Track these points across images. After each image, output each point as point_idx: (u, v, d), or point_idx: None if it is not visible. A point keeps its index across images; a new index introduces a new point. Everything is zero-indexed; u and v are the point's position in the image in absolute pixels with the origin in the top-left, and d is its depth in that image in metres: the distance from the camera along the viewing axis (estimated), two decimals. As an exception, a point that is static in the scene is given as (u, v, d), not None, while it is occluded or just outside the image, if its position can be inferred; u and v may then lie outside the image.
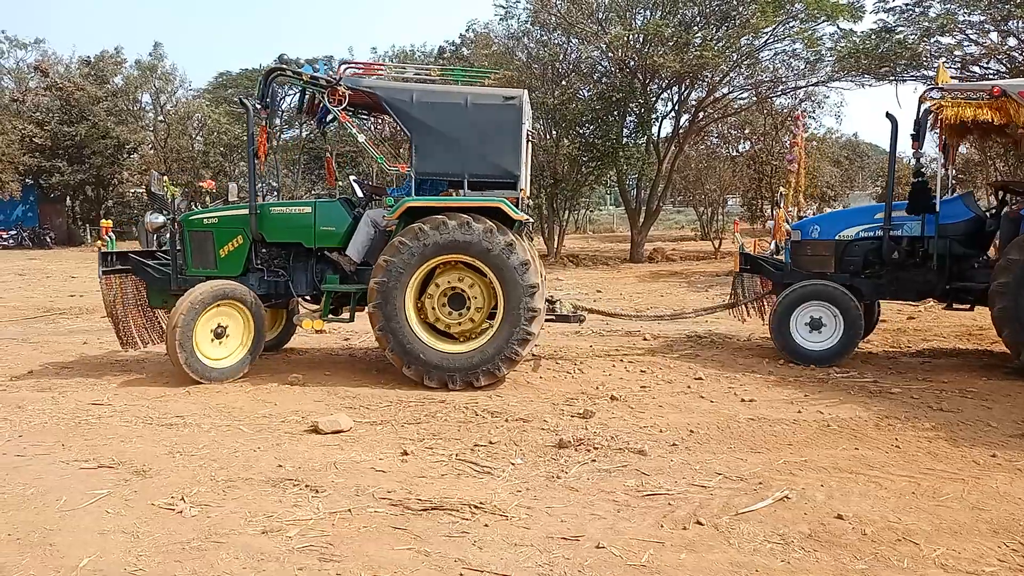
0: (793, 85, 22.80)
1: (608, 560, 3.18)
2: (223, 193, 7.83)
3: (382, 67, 6.74)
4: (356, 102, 6.76)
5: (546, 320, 6.58)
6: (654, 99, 22.48)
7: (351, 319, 6.74)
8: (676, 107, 23.25)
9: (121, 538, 3.38)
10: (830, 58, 20.08)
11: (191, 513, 3.64)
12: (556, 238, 22.80)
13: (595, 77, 22.00)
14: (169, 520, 3.57)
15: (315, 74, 6.43)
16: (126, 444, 4.72)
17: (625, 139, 22.61)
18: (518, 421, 5.25)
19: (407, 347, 6.09)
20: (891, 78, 18.58)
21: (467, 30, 33.97)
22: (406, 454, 4.55)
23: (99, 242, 6.81)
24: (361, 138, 6.74)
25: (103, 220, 7.72)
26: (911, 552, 3.23)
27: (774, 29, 19.94)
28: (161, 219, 6.77)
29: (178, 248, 6.63)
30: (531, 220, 6.85)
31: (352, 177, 7.68)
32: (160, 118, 33.67)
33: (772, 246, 8.12)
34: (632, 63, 20.64)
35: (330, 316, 6.74)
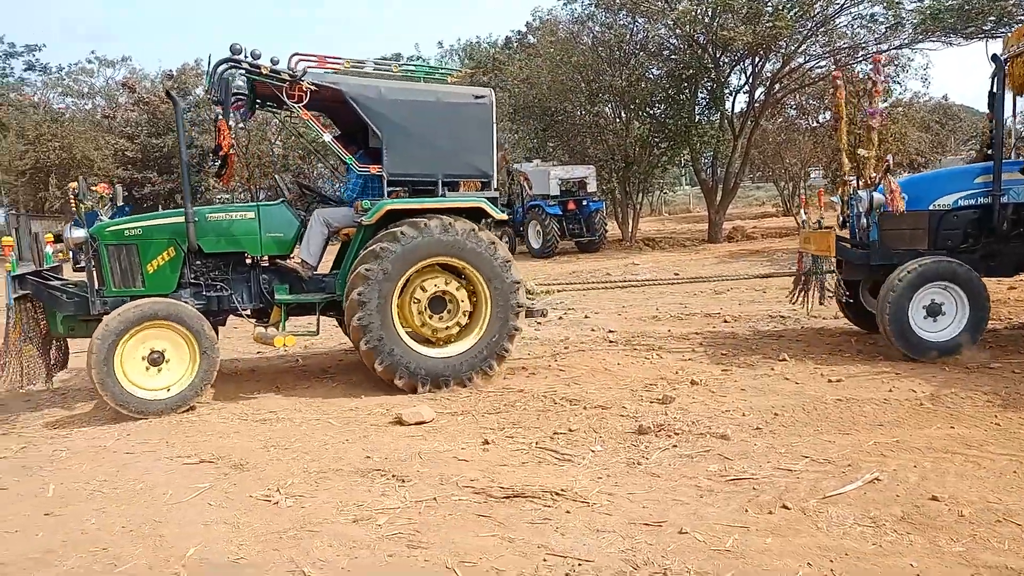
0: (874, 49, 21.83)
1: (691, 545, 3.17)
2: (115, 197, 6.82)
3: (338, 60, 6.15)
4: (313, 98, 6.03)
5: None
6: (727, 74, 21.93)
7: (317, 332, 6.34)
8: (750, 80, 22.58)
9: (223, 528, 3.58)
10: (912, 19, 19.10)
11: (286, 504, 3.82)
12: (630, 222, 22.56)
13: (664, 55, 21.59)
14: (266, 511, 3.76)
15: (275, 67, 5.83)
16: (224, 440, 4.98)
17: (698, 117, 22.15)
18: (597, 408, 5.26)
19: (397, 358, 5.80)
20: (980, 36, 17.53)
21: (532, 18, 33.81)
22: (487, 443, 4.63)
23: (6, 264, 5.94)
24: (327, 137, 6.21)
25: (4, 239, 6.48)
26: (1012, 533, 3.10)
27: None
28: (83, 233, 5.77)
29: (94, 265, 5.79)
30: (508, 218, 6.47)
31: (278, 176, 7.29)
32: (240, 125, 34.96)
33: (839, 220, 7.22)
34: (702, 38, 20.16)
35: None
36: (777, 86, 22.98)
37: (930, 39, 19.61)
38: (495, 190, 6.40)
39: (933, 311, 6.15)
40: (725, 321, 8.57)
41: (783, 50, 21.06)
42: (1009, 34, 6.74)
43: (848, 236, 6.96)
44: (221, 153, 5.99)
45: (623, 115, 22.47)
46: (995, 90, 6.38)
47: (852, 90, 25.67)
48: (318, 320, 6.25)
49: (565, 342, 7.79)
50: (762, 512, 3.46)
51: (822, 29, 20.51)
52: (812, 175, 33.18)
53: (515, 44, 36.39)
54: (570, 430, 4.82)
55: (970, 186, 6.43)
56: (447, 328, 6.06)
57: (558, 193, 19.70)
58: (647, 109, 22.01)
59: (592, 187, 20.67)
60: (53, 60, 55.97)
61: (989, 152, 6.47)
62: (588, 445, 4.54)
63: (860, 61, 23.17)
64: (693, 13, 19.46)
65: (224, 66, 5.77)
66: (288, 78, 5.81)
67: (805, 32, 20.20)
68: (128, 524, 3.69)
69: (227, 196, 32.13)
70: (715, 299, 10.42)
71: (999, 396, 4.98)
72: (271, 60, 5.78)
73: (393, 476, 4.14)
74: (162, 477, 4.33)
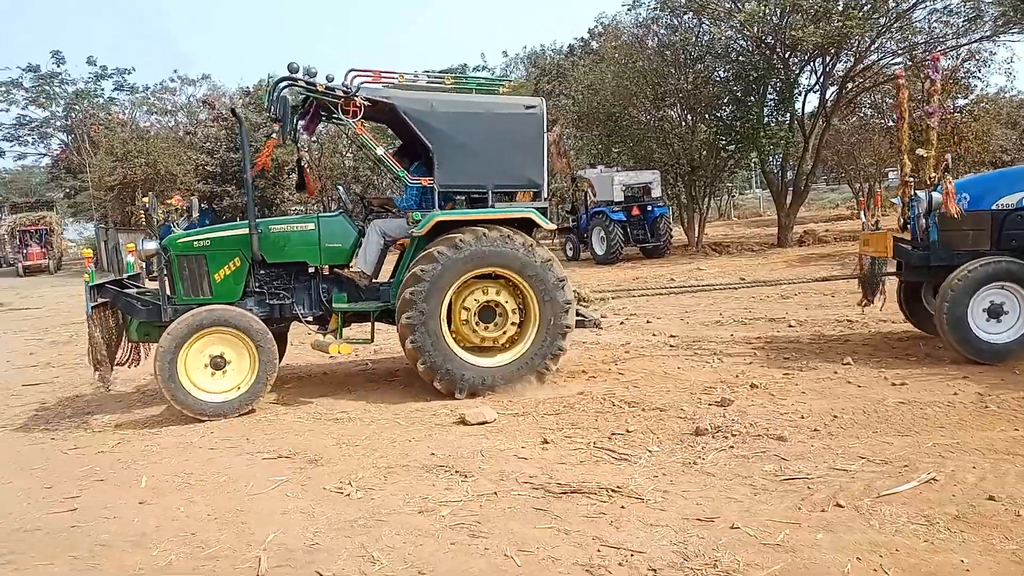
0: (953, 44, 21.09)
1: (743, 539, 3.26)
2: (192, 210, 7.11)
3: (392, 74, 6.29)
4: (367, 113, 6.24)
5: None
6: (796, 74, 21.54)
7: (371, 339, 6.44)
8: (821, 80, 22.12)
9: (299, 517, 3.85)
10: (992, 11, 18.40)
11: (357, 496, 4.07)
12: (696, 227, 22.35)
13: (731, 57, 21.36)
14: (339, 502, 4.01)
15: (330, 84, 6.00)
16: (300, 437, 5.29)
17: (766, 118, 21.81)
18: (655, 410, 5.36)
19: (441, 360, 5.91)
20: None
21: (596, 24, 33.86)
22: (546, 442, 4.79)
23: (85, 275, 6.26)
24: (379, 151, 6.30)
25: (84, 250, 7.37)
26: (1070, 534, 3.08)
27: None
28: (154, 245, 6.14)
29: (166, 275, 6.11)
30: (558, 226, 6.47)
31: (339, 186, 7.35)
32: (312, 139, 36.15)
33: (900, 222, 7.08)
34: (770, 39, 19.89)
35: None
36: (850, 85, 22.42)
37: (1012, 31, 18.86)
38: (545, 200, 6.46)
39: (995, 312, 5.99)
40: (790, 326, 8.50)
41: (855, 48, 20.58)
42: None
43: (909, 238, 6.83)
44: (257, 168, 6.21)
45: (689, 119, 22.32)
46: None
47: (929, 87, 24.85)
48: (372, 327, 6.39)
49: (626, 347, 7.88)
50: (815, 510, 3.52)
51: (896, 25, 19.96)
52: (890, 175, 32.20)
53: (579, 51, 36.53)
54: (628, 431, 4.93)
55: None
56: (493, 338, 6.13)
57: (622, 199, 19.70)
58: (713, 112, 21.81)
59: (657, 192, 20.59)
60: (140, 80, 59.00)
61: None
62: (645, 446, 4.65)
63: (939, 56, 22.43)
64: (761, 14, 19.23)
65: (282, 84, 5.99)
66: (342, 94, 5.96)
67: (878, 29, 19.70)
68: (213, 512, 4.00)
69: (300, 208, 33.23)
70: (781, 303, 10.31)
71: (1070, 399, 4.86)
72: (327, 77, 6.01)
73: (456, 472, 4.35)
74: (244, 471, 4.65)
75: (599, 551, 3.25)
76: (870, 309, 7.35)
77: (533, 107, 6.31)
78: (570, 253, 21.91)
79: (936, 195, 6.29)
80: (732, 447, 4.49)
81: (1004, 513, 3.32)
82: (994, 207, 6.29)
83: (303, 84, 5.98)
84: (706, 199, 23.93)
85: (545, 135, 6.33)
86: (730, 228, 30.84)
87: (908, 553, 3.04)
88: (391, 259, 6.68)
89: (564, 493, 3.93)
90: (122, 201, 32.72)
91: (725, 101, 21.51)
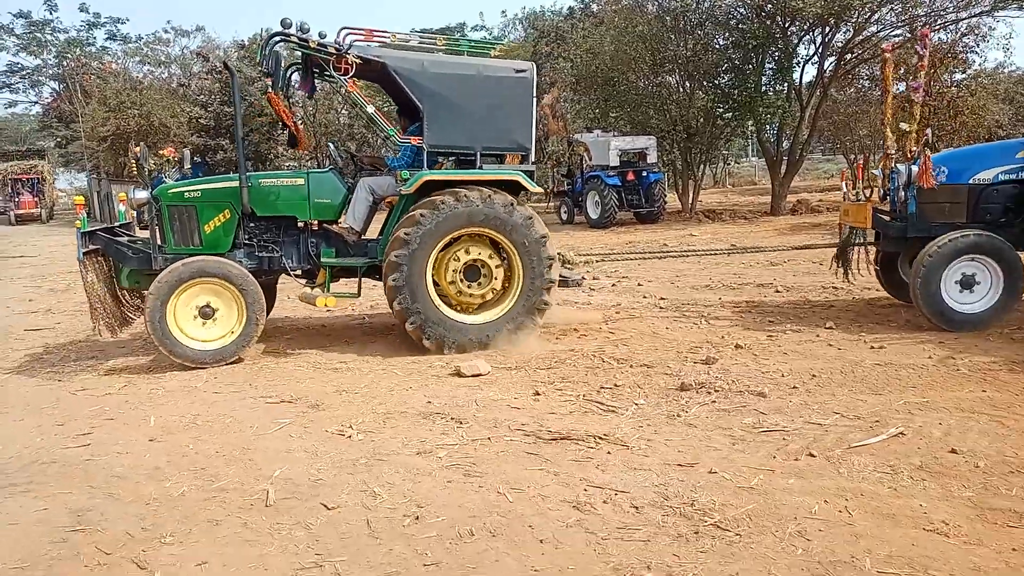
0: (953, 17, 21.07)
1: (719, 483, 3.50)
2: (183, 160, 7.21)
3: (385, 34, 6.33)
4: (359, 71, 6.28)
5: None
6: (795, 43, 21.50)
7: (358, 294, 6.60)
8: (820, 50, 22.09)
9: (303, 455, 4.07)
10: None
11: (358, 438, 4.29)
12: (691, 193, 22.48)
13: (730, 24, 21.29)
14: (340, 443, 4.23)
15: (323, 40, 6.05)
16: (301, 384, 5.50)
17: (764, 87, 21.81)
18: (643, 367, 5.58)
19: (428, 320, 6.08)
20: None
21: (598, -14, 33.50)
22: (538, 394, 5.01)
23: (76, 222, 6.35)
24: (370, 109, 6.41)
25: (75, 197, 7.19)
26: (1023, 483, 3.33)
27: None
28: (145, 195, 6.27)
29: (157, 224, 6.25)
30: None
31: (331, 143, 7.41)
32: (311, 98, 35.85)
33: (880, 194, 7.12)
34: (770, 7, 19.81)
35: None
36: (849, 56, 22.40)
37: (1011, 6, 18.86)
38: (532, 163, 6.53)
39: (967, 283, 6.18)
40: (777, 291, 8.72)
41: (855, 19, 20.53)
42: None
43: (888, 209, 7.01)
44: (285, 125, 6.39)
45: (687, 85, 22.30)
46: None
47: (928, 60, 24.79)
48: (359, 282, 6.54)
49: (617, 308, 8.09)
50: (789, 459, 3.76)
51: (897, -4, 19.91)
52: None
53: (579, 13, 36.18)
54: (616, 385, 5.16)
55: (1012, 161, 6.43)
56: (479, 296, 6.30)
57: (618, 164, 19.77)
58: (712, 79, 21.79)
59: (652, 158, 20.65)
60: (133, 30, 58.05)
61: None
62: (632, 399, 4.88)
63: (939, 30, 22.41)
64: (762, -19, 19.14)
65: (275, 39, 6.08)
66: (334, 51, 6.01)
67: (879, 0, 19.64)
68: (221, 450, 4.22)
69: (294, 163, 33.09)
70: (770, 270, 10.53)
71: (1037, 364, 5.11)
72: (319, 34, 6.06)
73: (452, 419, 4.57)
74: (248, 413, 4.86)
75: (586, 490, 3.48)
76: (854, 276, 7.56)
77: (524, 71, 6.37)
78: (565, 216, 22.04)
79: (916, 168, 6.46)
80: (714, 402, 4.72)
81: (964, 464, 3.56)
82: (971, 181, 6.48)
83: (296, 40, 6.06)
84: (701, 166, 24.01)
85: (534, 99, 6.38)
86: (724, 196, 30.97)
87: (872, 497, 3.28)
88: (381, 216, 6.80)
89: (554, 439, 4.15)
90: (115, 152, 32.52)
91: (723, 69, 21.48)
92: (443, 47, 6.76)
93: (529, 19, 43.87)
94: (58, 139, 44.41)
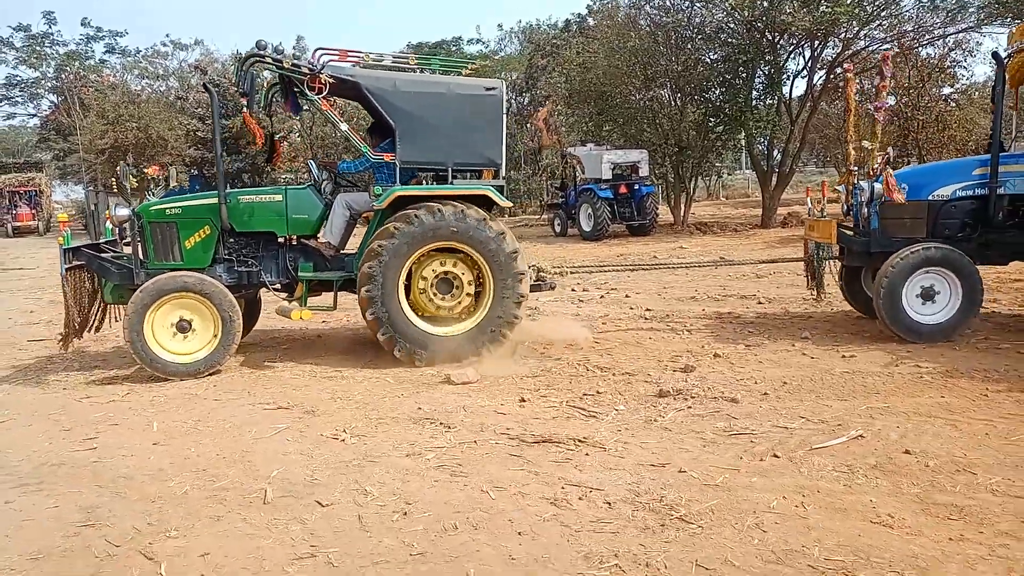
0: (940, 33, 21.50)
1: (688, 481, 3.76)
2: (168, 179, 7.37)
3: (359, 53, 6.51)
4: (333, 90, 6.50)
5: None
6: (785, 58, 21.90)
7: (334, 307, 6.73)
8: (809, 65, 22.50)
9: (299, 458, 4.31)
10: (977, 2, 18.83)
11: (351, 441, 4.54)
12: (683, 206, 22.80)
13: (720, 39, 21.68)
14: (334, 446, 4.48)
15: (296, 60, 6.28)
16: (297, 391, 5.74)
17: (755, 101, 22.19)
18: (624, 375, 5.84)
19: (400, 330, 6.23)
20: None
21: (594, 1, 34.00)
22: (523, 401, 5.27)
23: (59, 238, 6.53)
24: (343, 127, 6.61)
25: (59, 214, 7.64)
26: (967, 480, 3.59)
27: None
28: (126, 212, 6.47)
29: (139, 240, 6.38)
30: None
31: (311, 160, 7.59)
32: (296, 116, 36.20)
33: (843, 209, 7.39)
34: (760, 23, 20.21)
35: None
36: (838, 70, 22.78)
37: (997, 22, 19.27)
38: (503, 179, 6.70)
39: (927, 295, 6.40)
40: (759, 302, 9.00)
41: (844, 35, 20.94)
42: (1013, 30, 6.97)
43: (852, 225, 7.22)
44: (259, 144, 6.61)
45: (678, 99, 22.67)
46: (996, 86, 6.64)
47: (916, 75, 25.35)
48: (335, 295, 6.68)
49: (604, 318, 8.36)
50: (754, 459, 4.01)
51: (884, 13, 20.33)
52: (879, 159, 32.70)
53: (575, 27, 36.65)
54: (598, 392, 5.41)
55: (968, 178, 6.68)
56: (450, 308, 6.43)
57: (610, 177, 20.09)
58: (703, 93, 22.16)
59: (644, 171, 20.98)
60: (132, 43, 58.54)
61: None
62: (613, 405, 5.13)
63: (926, 45, 22.82)
64: (750, -1, 19.53)
65: (250, 60, 6.29)
66: (307, 71, 6.22)
67: (866, 16, 20.05)
68: (221, 453, 4.46)
69: (291, 176, 33.34)
70: (755, 282, 10.81)
71: (996, 372, 5.38)
72: (294, 55, 6.32)
73: (441, 424, 4.81)
74: (246, 419, 5.10)
75: (563, 488, 3.73)
76: (825, 290, 7.83)
77: (493, 88, 6.56)
78: (558, 229, 22.33)
79: (878, 185, 6.69)
80: (690, 407, 4.97)
81: (915, 464, 3.82)
82: (930, 197, 6.73)
83: (270, 60, 6.31)
84: (693, 179, 24.36)
85: (504, 116, 6.56)
86: (717, 208, 31.30)
87: (827, 494, 3.53)
88: (362, 231, 6.97)
89: (536, 442, 4.40)
90: (112, 164, 32.76)
91: (714, 83, 21.85)
92: (415, 65, 6.98)
93: (525, 32, 44.39)
94: (56, 152, 44.65)
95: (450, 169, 6.50)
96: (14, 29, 41.84)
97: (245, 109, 6.36)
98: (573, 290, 10.68)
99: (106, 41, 44.12)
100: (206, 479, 4.06)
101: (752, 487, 3.65)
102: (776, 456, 4.03)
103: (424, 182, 6.72)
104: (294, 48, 36.14)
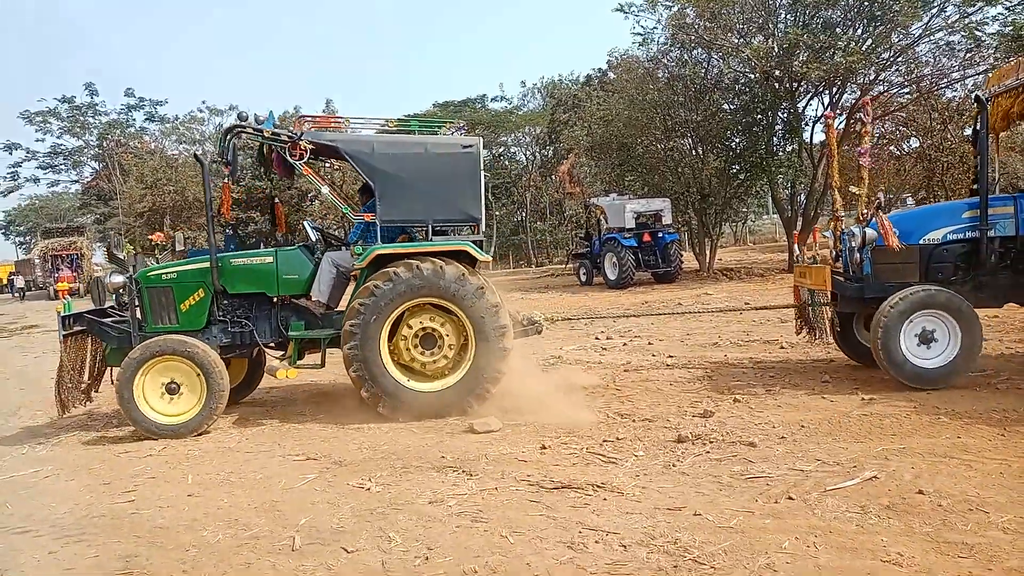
0: (958, 76, 21.65)
1: (702, 524, 3.84)
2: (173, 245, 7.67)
3: (340, 119, 6.79)
4: (317, 153, 6.74)
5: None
6: (803, 105, 22.17)
7: (322, 364, 6.85)
8: (828, 110, 22.72)
9: (327, 507, 4.47)
10: (992, 42, 18.98)
11: (376, 490, 4.69)
12: (708, 252, 22.90)
13: (738, 90, 22.04)
14: (360, 494, 4.63)
15: (276, 130, 6.49)
16: (325, 443, 5.93)
17: (775, 147, 22.41)
18: (644, 421, 5.94)
19: (383, 387, 6.34)
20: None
21: (612, 56, 34.80)
22: (544, 448, 5.39)
23: (57, 305, 6.78)
24: (325, 190, 6.90)
25: (59, 284, 7.88)
26: (978, 519, 3.63)
27: (928, 21, 19.23)
28: (121, 279, 6.73)
29: (136, 305, 6.61)
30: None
31: (306, 222, 7.92)
32: (336, 167, 37.26)
33: (832, 255, 7.31)
34: (777, 72, 20.54)
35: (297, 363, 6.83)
36: (858, 115, 22.96)
37: (1012, 60, 19.40)
38: (482, 234, 6.82)
39: (925, 339, 6.30)
40: (782, 347, 9.04)
41: (861, 81, 21.19)
42: (990, 75, 7.01)
43: (840, 270, 7.14)
44: (226, 214, 6.87)
45: (699, 149, 22.98)
46: (978, 128, 6.68)
47: (937, 118, 25.42)
48: (323, 353, 6.83)
49: (626, 366, 8.46)
50: (769, 501, 4.09)
51: (900, 59, 20.56)
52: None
53: (596, 81, 37.42)
54: (617, 439, 5.52)
55: (958, 221, 6.70)
56: (432, 363, 6.51)
57: (633, 226, 20.33)
58: (723, 142, 22.45)
59: (667, 219, 21.20)
60: (171, 111, 60.96)
61: (975, 188, 6.72)
62: (632, 451, 5.23)
63: (944, 87, 22.94)
64: (766, 49, 19.90)
65: (233, 132, 6.53)
66: (287, 139, 6.47)
67: (882, 64, 20.31)
68: (252, 503, 4.64)
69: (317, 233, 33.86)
70: (779, 327, 10.82)
71: (1015, 412, 5.38)
72: (274, 125, 6.57)
73: (463, 471, 4.95)
74: (277, 470, 5.29)
75: (580, 532, 3.84)
76: (804, 337, 7.81)
77: (470, 147, 6.70)
78: (583, 278, 22.54)
79: (870, 231, 6.68)
80: (708, 452, 5.05)
81: (928, 504, 3.86)
82: (922, 241, 6.74)
83: (251, 130, 6.57)
84: (718, 226, 24.49)
85: (482, 172, 6.70)
86: (744, 254, 31.31)
87: (839, 534, 3.60)
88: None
89: (555, 488, 4.51)
90: (151, 227, 33.86)
91: (734, 131, 22.15)
92: (394, 128, 7.22)
93: (547, 88, 45.39)
94: (97, 216, 46.27)
95: (429, 226, 6.64)
96: (60, 100, 43.78)
97: (227, 179, 6.60)
98: (597, 338, 10.80)
99: (146, 109, 45.98)
100: (238, 528, 4.23)
101: (765, 529, 3.72)
102: (791, 498, 4.09)
103: (414, 238, 6.86)
104: (324, 110, 37.32)
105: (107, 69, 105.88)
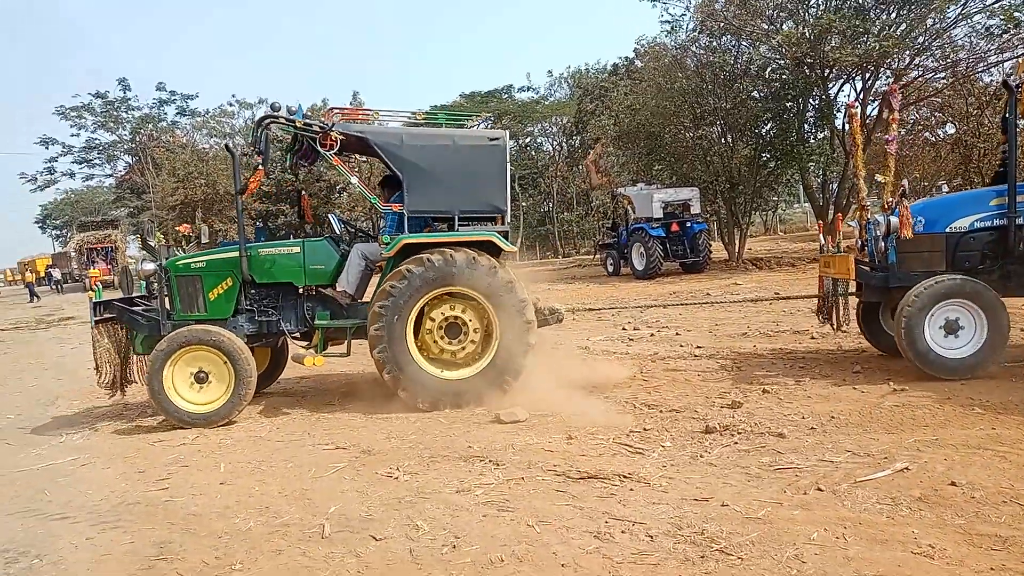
0: (995, 60, 21.11)
1: (729, 514, 3.82)
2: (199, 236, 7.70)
3: (369, 111, 6.90)
4: (345, 145, 6.80)
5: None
6: (835, 91, 21.80)
7: (347, 353, 6.92)
8: (860, 96, 22.32)
9: (355, 495, 4.52)
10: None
11: (404, 479, 4.74)
12: (737, 242, 22.67)
13: (768, 76, 21.73)
14: (389, 483, 4.68)
15: (308, 120, 6.58)
16: (354, 432, 5.99)
17: (806, 135, 22.08)
18: (671, 412, 5.91)
19: (406, 370, 6.38)
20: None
21: (639, 44, 34.48)
22: (571, 438, 5.39)
23: (89, 292, 7.12)
24: (354, 180, 7.02)
25: (90, 270, 7.98)
26: (1012, 511, 3.57)
27: (965, 3, 18.77)
28: (152, 266, 6.83)
29: (166, 293, 6.72)
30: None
31: (332, 214, 7.94)
32: (363, 159, 37.50)
33: (858, 244, 7.19)
34: (808, 58, 20.21)
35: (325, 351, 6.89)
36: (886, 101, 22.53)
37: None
38: (507, 224, 6.87)
39: (951, 328, 6.21)
40: (812, 338, 8.93)
41: (895, 65, 20.76)
42: (1020, 60, 6.78)
43: (866, 259, 7.06)
44: (250, 191, 6.78)
45: (728, 137, 22.72)
46: (1007, 115, 6.52)
47: (974, 103, 24.80)
48: (348, 342, 6.91)
49: (653, 356, 8.42)
50: (797, 493, 4.05)
51: (935, 43, 20.11)
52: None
53: (622, 70, 37.14)
54: (645, 429, 5.50)
55: (986, 208, 6.54)
56: (455, 352, 6.58)
57: (661, 216, 20.20)
58: (753, 129, 22.17)
59: (696, 209, 21.03)
60: (202, 105, 61.71)
61: (1000, 171, 6.55)
62: (659, 441, 5.21)
63: (982, 71, 22.39)
64: (796, 36, 19.58)
65: (265, 121, 6.61)
66: (319, 130, 6.54)
67: (917, 48, 19.87)
68: (283, 491, 4.70)
69: (341, 225, 34.13)
70: (808, 317, 10.67)
71: (1053, 403, 5.27)
72: (305, 115, 6.65)
73: (490, 461, 4.98)
74: (307, 459, 5.36)
75: (607, 522, 3.84)
76: (826, 326, 7.76)
77: (497, 139, 6.77)
78: (611, 268, 22.45)
79: (894, 219, 6.58)
80: (736, 443, 5.02)
81: (961, 496, 3.80)
82: (948, 230, 6.61)
83: (284, 121, 6.64)
84: (747, 215, 24.24)
85: (508, 165, 6.76)
86: (775, 243, 30.96)
87: (869, 525, 3.56)
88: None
89: (582, 478, 4.52)
90: (183, 220, 34.33)
91: (764, 119, 21.85)
92: (422, 120, 7.28)
93: (574, 78, 45.15)
94: (131, 209, 47.08)
95: (456, 217, 6.69)
96: (93, 96, 44.51)
97: (260, 166, 6.65)
98: (624, 329, 10.76)
99: (178, 104, 46.57)
100: (269, 516, 4.30)
101: (794, 520, 3.69)
102: (820, 489, 4.05)
103: (435, 231, 6.89)
104: (351, 103, 37.51)
105: (107, 69, 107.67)
